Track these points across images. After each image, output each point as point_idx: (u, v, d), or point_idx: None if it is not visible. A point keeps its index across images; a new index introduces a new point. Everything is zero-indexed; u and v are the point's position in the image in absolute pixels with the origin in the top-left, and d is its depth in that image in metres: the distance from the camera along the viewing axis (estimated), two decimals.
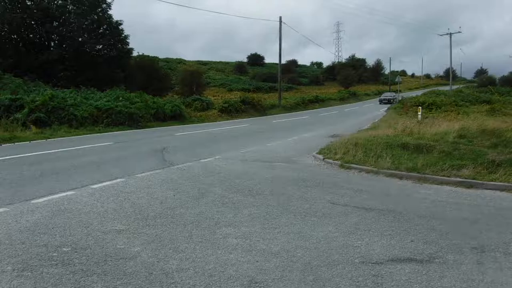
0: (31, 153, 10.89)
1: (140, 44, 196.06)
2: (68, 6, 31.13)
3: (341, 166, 9.26)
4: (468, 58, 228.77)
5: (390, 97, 49.91)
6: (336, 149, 10.56)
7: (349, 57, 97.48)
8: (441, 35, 55.39)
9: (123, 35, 32.06)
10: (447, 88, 59.11)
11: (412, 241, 4.48)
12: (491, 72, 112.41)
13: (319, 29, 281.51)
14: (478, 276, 3.60)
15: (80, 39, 30.24)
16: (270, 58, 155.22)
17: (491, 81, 78.14)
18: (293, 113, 34.72)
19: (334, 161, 9.64)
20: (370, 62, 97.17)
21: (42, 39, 30.78)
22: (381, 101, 50.25)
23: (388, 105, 41.88)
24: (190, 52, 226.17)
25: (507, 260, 3.96)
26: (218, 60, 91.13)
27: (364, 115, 31.20)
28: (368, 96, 66.06)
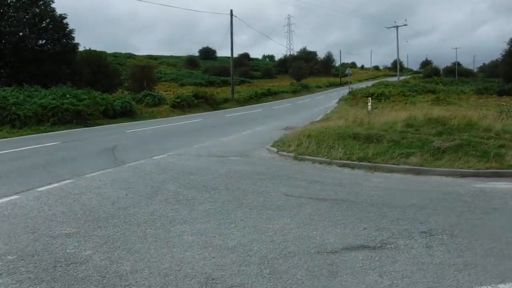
0: None
1: (97, 38, 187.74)
2: None
3: (295, 158, 9.37)
4: (420, 49, 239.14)
5: None
6: (289, 142, 10.68)
7: (301, 49, 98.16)
8: (388, 27, 57.12)
9: (67, 30, 30.53)
10: (395, 79, 61.36)
11: (365, 228, 4.60)
12: (440, 63, 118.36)
13: (281, 21, 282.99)
14: (428, 259, 3.76)
15: (20, 34, 28.58)
16: (226, 51, 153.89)
17: (435, 72, 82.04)
18: (246, 106, 34.73)
19: (288, 153, 9.75)
20: (323, 55, 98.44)
21: None
22: None
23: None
24: (151, 45, 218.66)
25: (453, 242, 4.17)
26: (174, 54, 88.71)
27: (316, 107, 31.75)
28: (320, 88, 67.29)
